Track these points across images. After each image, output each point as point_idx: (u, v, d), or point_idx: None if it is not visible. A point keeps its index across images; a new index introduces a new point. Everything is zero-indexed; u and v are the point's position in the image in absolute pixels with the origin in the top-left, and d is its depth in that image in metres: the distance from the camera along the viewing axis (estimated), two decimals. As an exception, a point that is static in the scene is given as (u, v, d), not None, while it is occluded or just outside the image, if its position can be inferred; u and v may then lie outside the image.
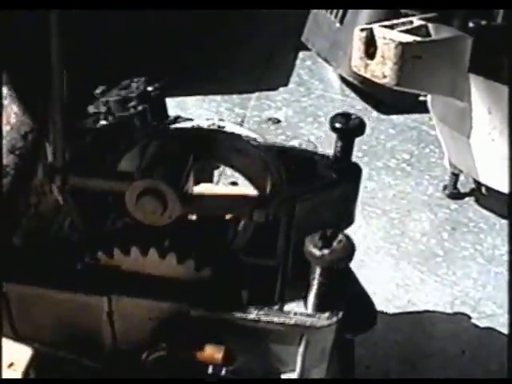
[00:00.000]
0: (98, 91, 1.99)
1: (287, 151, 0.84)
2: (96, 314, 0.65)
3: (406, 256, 1.46)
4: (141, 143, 0.72)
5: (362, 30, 1.40)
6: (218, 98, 2.19)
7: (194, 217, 0.66)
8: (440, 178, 1.73)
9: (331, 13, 2.17)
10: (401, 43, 1.33)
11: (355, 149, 1.77)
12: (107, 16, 1.91)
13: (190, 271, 0.60)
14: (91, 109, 1.65)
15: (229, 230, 0.66)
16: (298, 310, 0.63)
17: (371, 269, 1.39)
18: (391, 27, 1.46)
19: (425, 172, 1.78)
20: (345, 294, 0.66)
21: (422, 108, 1.78)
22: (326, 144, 1.72)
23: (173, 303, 0.62)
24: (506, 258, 1.48)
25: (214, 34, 2.42)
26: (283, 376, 0.65)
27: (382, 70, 1.36)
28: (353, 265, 0.87)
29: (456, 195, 1.68)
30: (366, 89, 2.10)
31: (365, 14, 2.03)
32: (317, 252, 0.60)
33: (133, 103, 1.83)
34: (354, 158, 1.67)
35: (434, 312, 1.32)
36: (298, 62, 2.42)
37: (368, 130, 1.99)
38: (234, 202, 0.64)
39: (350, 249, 0.61)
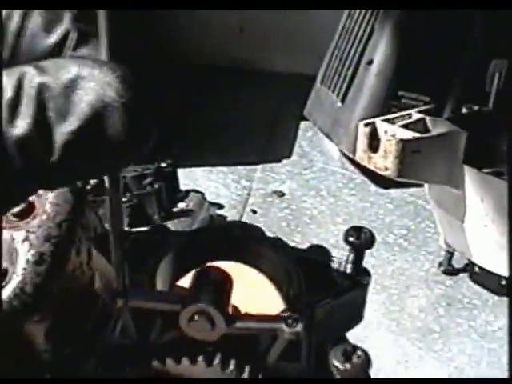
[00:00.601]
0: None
1: (305, 257, 0.95)
2: None
3: (405, 332, 1.57)
4: (177, 248, 0.84)
5: (366, 125, 1.53)
6: (225, 169, 2.30)
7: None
8: (436, 254, 1.83)
9: (333, 91, 2.30)
10: (401, 140, 1.46)
11: (354, 219, 1.89)
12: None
13: (235, 377, 0.72)
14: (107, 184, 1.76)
15: (262, 344, 0.77)
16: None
17: (373, 344, 1.49)
18: (392, 121, 1.59)
19: (421, 248, 1.88)
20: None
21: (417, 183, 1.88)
22: (329, 219, 1.84)
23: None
24: (498, 334, 1.58)
25: (217, 105, 2.56)
26: None
27: (384, 164, 1.48)
28: (356, 339, 0.97)
29: (451, 271, 1.78)
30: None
31: (365, 96, 2.16)
32: (340, 366, 0.71)
33: (148, 180, 1.95)
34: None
35: (432, 386, 1.43)
36: (299, 132, 2.55)
37: (367, 205, 2.12)
38: (267, 321, 0.75)
39: (367, 364, 0.72)
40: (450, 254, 1.77)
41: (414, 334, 1.56)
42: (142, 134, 0.43)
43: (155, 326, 0.77)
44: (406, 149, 1.45)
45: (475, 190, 1.53)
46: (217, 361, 0.73)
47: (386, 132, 1.48)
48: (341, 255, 0.98)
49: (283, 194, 2.16)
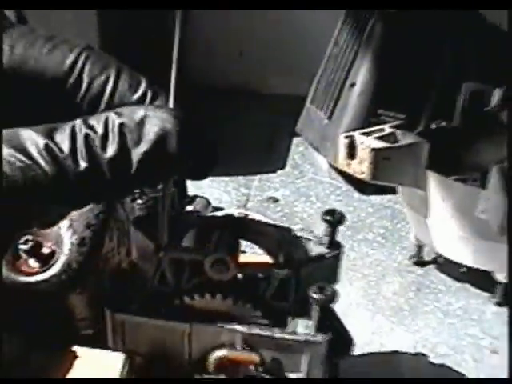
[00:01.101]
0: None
1: (292, 233, 1.25)
2: (180, 336, 1.05)
3: (380, 310, 1.86)
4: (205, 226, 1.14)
5: (346, 137, 1.83)
6: (227, 178, 2.60)
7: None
8: (408, 249, 2.10)
9: (321, 110, 2.60)
10: (374, 149, 1.76)
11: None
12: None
13: (243, 310, 1.02)
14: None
15: (261, 284, 1.07)
16: (305, 332, 1.04)
17: (353, 319, 1.78)
18: (368, 134, 1.89)
19: (396, 244, 2.17)
20: (332, 325, 1.06)
21: (395, 190, 2.15)
22: (317, 221, 2.14)
23: (231, 328, 1.02)
24: (458, 312, 1.86)
25: (219, 123, 2.86)
26: (294, 375, 1.05)
27: (361, 169, 1.78)
28: (339, 314, 1.26)
29: (420, 262, 2.06)
30: (350, 173, 2.52)
31: (349, 113, 2.46)
32: (315, 296, 1.01)
33: (162, 186, 2.24)
34: (339, 233, 2.08)
35: (400, 352, 1.71)
36: (292, 147, 2.85)
37: (351, 209, 2.42)
38: (266, 265, 1.05)
39: (334, 295, 1.02)
40: (420, 247, 2.06)
41: (388, 312, 1.85)
42: (189, 154, 0.61)
43: (185, 274, 1.07)
44: (377, 156, 1.75)
45: (437, 191, 1.83)
46: (229, 297, 1.03)
47: (362, 143, 1.78)
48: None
49: (277, 200, 2.45)
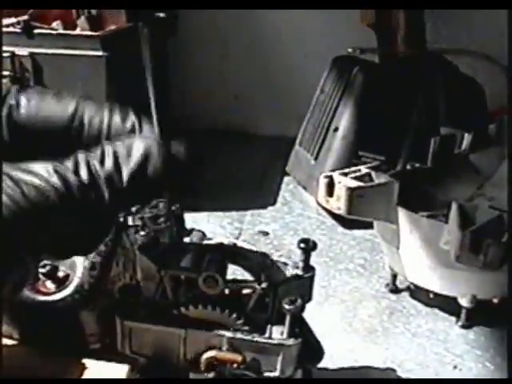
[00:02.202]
0: (133, 209, 2.63)
1: (272, 258, 1.48)
2: (177, 340, 1.28)
3: (355, 331, 2.07)
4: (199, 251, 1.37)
5: (325, 177, 2.07)
6: (221, 214, 2.82)
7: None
8: (385, 278, 2.32)
9: (308, 151, 2.84)
10: (349, 188, 1.99)
11: (323, 253, 2.39)
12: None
13: (229, 318, 1.25)
14: (130, 222, 2.26)
15: (244, 298, 1.31)
16: (279, 337, 1.27)
17: (330, 339, 1.99)
18: (346, 174, 2.13)
19: (374, 273, 2.39)
20: (301, 331, 1.30)
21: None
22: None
23: (219, 333, 1.26)
24: (426, 333, 2.07)
25: (215, 162, 3.10)
26: (268, 373, 1.28)
27: (338, 205, 2.01)
28: (318, 335, 1.48)
29: (395, 290, 2.29)
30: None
31: (333, 155, 2.70)
32: (287, 307, 1.24)
33: (162, 219, 2.47)
34: (323, 263, 2.30)
35: (371, 367, 1.92)
36: (283, 185, 3.08)
37: (334, 242, 2.65)
38: (247, 283, 1.29)
39: (301, 306, 1.26)
40: (394, 276, 2.28)
41: (363, 332, 2.07)
42: (170, 173, 0.74)
43: (181, 289, 1.30)
44: (353, 194, 1.98)
45: (406, 224, 2.06)
46: (218, 308, 1.26)
47: (339, 182, 2.02)
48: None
49: (267, 234, 2.67)
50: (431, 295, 2.13)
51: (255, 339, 1.26)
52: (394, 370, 1.91)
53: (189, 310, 1.27)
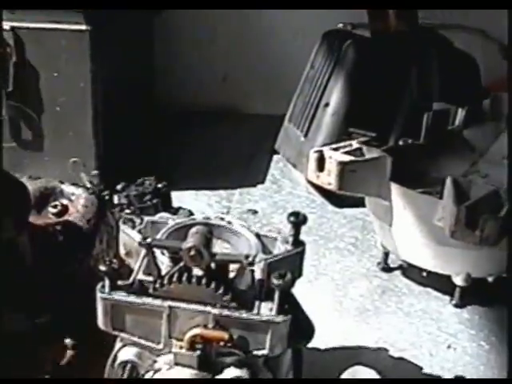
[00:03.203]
0: (118, 187, 2.56)
1: (261, 234, 1.42)
2: (160, 317, 1.22)
3: (346, 310, 2.01)
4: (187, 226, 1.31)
5: (316, 151, 2.00)
6: (209, 192, 2.75)
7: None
8: (376, 257, 2.26)
9: (298, 128, 2.77)
10: (341, 162, 1.93)
11: (313, 232, 2.33)
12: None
13: (215, 294, 1.19)
14: (115, 200, 2.19)
15: (231, 274, 1.24)
16: (268, 313, 1.21)
17: (322, 318, 1.93)
18: (336, 149, 2.06)
19: (365, 252, 2.32)
20: (290, 308, 1.24)
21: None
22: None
23: (203, 308, 1.19)
24: (418, 313, 2.02)
25: (204, 142, 3.04)
26: (256, 352, 1.22)
27: (328, 180, 1.94)
28: (309, 314, 1.42)
29: (386, 269, 2.23)
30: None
31: (323, 131, 2.63)
32: (276, 282, 1.18)
33: (148, 197, 2.41)
34: (312, 241, 2.24)
35: (362, 347, 1.88)
36: (272, 163, 3.01)
37: (324, 220, 2.59)
38: (234, 256, 1.23)
39: (291, 281, 1.19)
40: (386, 254, 2.22)
41: (354, 312, 2.01)
42: None
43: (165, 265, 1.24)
44: (344, 169, 1.92)
45: (399, 200, 2.00)
46: (203, 281, 1.20)
47: (330, 157, 1.95)
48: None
49: (256, 212, 2.61)
50: (424, 274, 2.08)
51: (242, 316, 1.20)
52: (385, 350, 1.86)
53: (172, 285, 1.21)
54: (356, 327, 1.95)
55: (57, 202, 1.79)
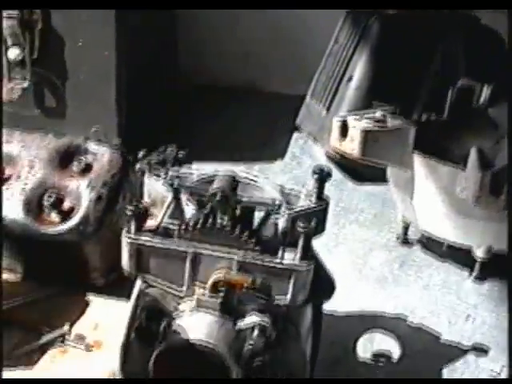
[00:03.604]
0: (140, 154, 2.57)
1: (284, 189, 1.42)
2: (184, 261, 1.23)
3: (365, 278, 2.01)
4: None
5: (339, 119, 2.00)
6: (229, 165, 2.76)
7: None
8: (396, 231, 2.24)
9: (320, 103, 2.76)
10: (364, 130, 1.93)
11: (334, 205, 2.33)
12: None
13: (239, 239, 1.19)
14: (136, 167, 2.20)
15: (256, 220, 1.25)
16: (291, 260, 1.21)
17: (340, 284, 1.94)
18: (360, 117, 2.06)
19: (385, 225, 2.30)
20: (314, 256, 1.24)
21: (387, 180, 2.26)
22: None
23: (230, 254, 1.20)
24: (438, 283, 2.02)
25: (226, 117, 3.04)
26: (280, 298, 1.22)
27: (351, 147, 1.94)
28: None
29: (406, 242, 2.23)
30: (345, 163, 2.68)
31: (345, 106, 2.62)
32: (301, 227, 1.18)
33: (169, 165, 2.41)
34: (331, 213, 2.24)
35: (381, 314, 1.87)
36: (292, 141, 3.01)
37: (344, 196, 2.57)
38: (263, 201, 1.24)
39: (313, 228, 1.20)
40: (406, 227, 2.22)
41: (372, 280, 2.01)
42: None
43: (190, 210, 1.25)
44: (367, 136, 1.91)
45: (421, 171, 1.99)
46: (228, 226, 1.20)
47: (354, 126, 1.95)
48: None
49: (276, 184, 2.61)
50: (444, 247, 2.07)
51: (266, 261, 1.20)
52: (404, 317, 1.86)
53: (197, 229, 1.21)
54: (375, 294, 1.95)
55: (81, 159, 1.81)
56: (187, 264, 1.22)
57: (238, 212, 1.24)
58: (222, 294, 1.21)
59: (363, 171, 2.58)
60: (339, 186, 2.59)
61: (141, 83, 2.58)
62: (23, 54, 2.38)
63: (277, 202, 1.21)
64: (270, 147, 2.94)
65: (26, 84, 2.43)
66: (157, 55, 2.80)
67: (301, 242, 1.19)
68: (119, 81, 2.48)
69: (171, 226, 1.25)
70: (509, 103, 2.27)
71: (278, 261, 1.20)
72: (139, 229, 1.23)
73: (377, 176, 2.44)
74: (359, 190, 2.57)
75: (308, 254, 1.21)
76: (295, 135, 3.02)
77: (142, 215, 1.23)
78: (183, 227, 1.22)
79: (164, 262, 1.23)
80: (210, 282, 1.21)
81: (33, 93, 2.49)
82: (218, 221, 1.21)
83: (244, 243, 1.20)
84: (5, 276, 1.83)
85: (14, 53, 2.39)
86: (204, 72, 3.27)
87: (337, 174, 2.66)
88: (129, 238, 1.22)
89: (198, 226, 1.20)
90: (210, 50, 3.42)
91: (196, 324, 1.20)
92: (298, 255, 1.20)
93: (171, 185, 1.23)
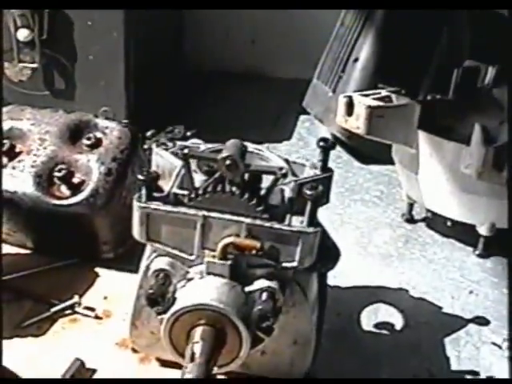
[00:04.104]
0: (148, 133, 2.60)
1: (289, 160, 1.45)
2: (194, 227, 1.25)
3: (370, 255, 2.04)
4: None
5: (345, 96, 2.03)
6: (236, 146, 2.79)
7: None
8: (401, 210, 2.29)
9: (326, 84, 2.79)
10: (370, 106, 1.95)
11: (339, 184, 2.36)
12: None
13: (248, 204, 1.22)
14: (145, 146, 2.23)
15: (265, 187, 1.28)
16: (298, 225, 1.24)
17: (345, 260, 1.96)
18: (366, 96, 2.08)
19: (390, 205, 2.33)
20: (319, 224, 1.26)
21: (393, 161, 2.29)
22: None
23: (239, 219, 1.22)
24: (441, 260, 2.05)
25: (232, 102, 3.06)
26: (286, 264, 1.25)
27: (357, 124, 1.96)
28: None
29: (411, 220, 2.26)
30: (351, 144, 2.70)
31: (351, 86, 2.64)
32: (308, 192, 1.21)
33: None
34: (338, 193, 2.27)
35: (385, 288, 1.90)
36: (299, 123, 3.04)
37: (350, 175, 2.60)
38: (271, 167, 1.27)
39: (321, 193, 1.22)
40: (411, 205, 2.25)
41: (377, 257, 2.04)
42: None
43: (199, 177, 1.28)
44: (372, 113, 1.94)
45: (426, 148, 2.02)
46: (237, 192, 1.23)
47: (359, 101, 1.97)
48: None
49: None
50: (449, 223, 2.10)
51: (274, 226, 1.23)
52: (407, 291, 1.89)
53: (207, 195, 1.24)
54: (379, 271, 1.97)
55: (91, 135, 1.83)
56: (197, 230, 1.24)
57: (246, 179, 1.26)
58: (231, 259, 1.24)
59: (369, 152, 2.62)
60: (345, 167, 2.63)
61: (150, 65, 2.61)
62: (32, 35, 2.41)
63: (283, 171, 1.23)
64: (277, 129, 2.97)
65: (35, 65, 2.46)
66: (165, 38, 2.83)
67: (308, 208, 1.22)
68: (128, 62, 2.51)
69: (181, 194, 1.27)
70: (509, 85, 2.29)
71: (285, 226, 1.23)
72: (150, 196, 1.25)
73: (383, 157, 2.48)
74: (366, 169, 2.62)
75: (314, 220, 1.24)
76: (302, 118, 3.05)
77: (152, 183, 1.25)
78: (193, 194, 1.24)
79: (174, 229, 1.26)
80: (220, 245, 1.23)
81: (42, 74, 2.53)
82: (227, 188, 1.23)
83: (253, 209, 1.23)
84: (15, 250, 1.86)
85: (23, 34, 2.42)
86: (210, 58, 3.31)
87: (343, 154, 2.72)
88: (139, 204, 1.25)
89: (208, 192, 1.23)
90: (216, 36, 3.45)
91: (205, 288, 1.23)
92: (306, 220, 1.22)
93: (179, 153, 1.25)
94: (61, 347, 1.55)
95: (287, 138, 2.87)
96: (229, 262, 1.24)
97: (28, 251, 1.88)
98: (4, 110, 1.90)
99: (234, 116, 2.98)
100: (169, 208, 1.24)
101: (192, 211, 1.23)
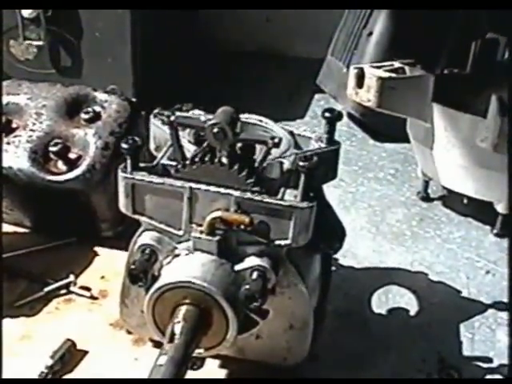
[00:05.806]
0: (156, 111, 2.53)
1: (295, 133, 1.37)
2: (181, 199, 1.18)
3: (382, 234, 1.96)
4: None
5: (355, 68, 1.93)
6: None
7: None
8: (416, 188, 2.20)
9: (340, 60, 2.70)
10: (381, 78, 1.85)
11: (352, 162, 2.27)
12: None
13: (238, 176, 1.14)
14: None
15: (257, 157, 1.19)
16: (292, 199, 1.16)
17: (355, 239, 1.89)
18: (378, 67, 1.99)
19: (405, 182, 2.25)
20: (315, 196, 1.18)
21: (408, 139, 2.20)
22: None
23: (228, 192, 1.15)
24: (457, 240, 1.96)
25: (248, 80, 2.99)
26: (279, 241, 1.17)
27: (368, 96, 1.87)
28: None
29: (426, 198, 2.16)
30: (365, 121, 2.62)
31: (366, 61, 2.54)
32: (301, 164, 1.13)
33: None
34: (351, 171, 2.19)
35: (397, 268, 1.82)
36: (313, 101, 2.95)
37: (364, 153, 2.52)
38: (262, 137, 1.18)
39: (315, 165, 1.14)
40: (426, 183, 2.15)
41: (389, 236, 1.95)
42: None
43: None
44: (384, 85, 1.84)
45: (440, 121, 1.92)
46: (226, 162, 1.15)
47: (370, 73, 1.88)
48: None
49: (296, 143, 2.56)
50: (465, 201, 2.01)
51: (265, 200, 1.15)
52: (421, 272, 1.81)
53: (195, 165, 1.16)
54: (392, 250, 1.89)
55: (89, 109, 1.77)
56: (184, 203, 1.17)
57: (237, 149, 1.18)
58: (219, 235, 1.17)
59: (385, 129, 2.53)
60: (360, 145, 2.54)
61: (158, 41, 2.54)
62: (37, 11, 2.35)
63: (275, 140, 1.15)
64: (291, 107, 2.89)
65: (40, 42, 2.40)
66: (175, 15, 2.75)
67: (302, 181, 1.14)
68: (134, 39, 2.44)
69: (169, 165, 1.20)
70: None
71: (277, 200, 1.15)
72: (136, 166, 1.18)
73: (398, 134, 2.40)
74: (381, 147, 2.53)
75: (309, 193, 1.15)
76: (317, 96, 2.97)
77: (137, 152, 1.18)
78: (181, 164, 1.17)
79: (161, 201, 1.19)
80: (207, 220, 1.16)
81: (48, 52, 2.46)
82: (217, 158, 1.15)
83: (243, 182, 1.15)
84: (12, 228, 1.80)
85: (27, 10, 2.36)
86: (224, 35, 3.23)
87: (358, 132, 2.63)
88: (124, 175, 1.18)
89: (195, 162, 1.15)
90: (230, 14, 3.36)
91: (190, 265, 1.16)
92: (300, 194, 1.14)
93: (170, 123, 1.17)
94: (52, 328, 1.50)
95: (301, 116, 2.79)
96: (216, 238, 1.17)
97: (26, 230, 1.82)
98: (1, 84, 1.85)
99: (247, 94, 2.90)
100: (154, 179, 1.17)
101: (178, 183, 1.16)
